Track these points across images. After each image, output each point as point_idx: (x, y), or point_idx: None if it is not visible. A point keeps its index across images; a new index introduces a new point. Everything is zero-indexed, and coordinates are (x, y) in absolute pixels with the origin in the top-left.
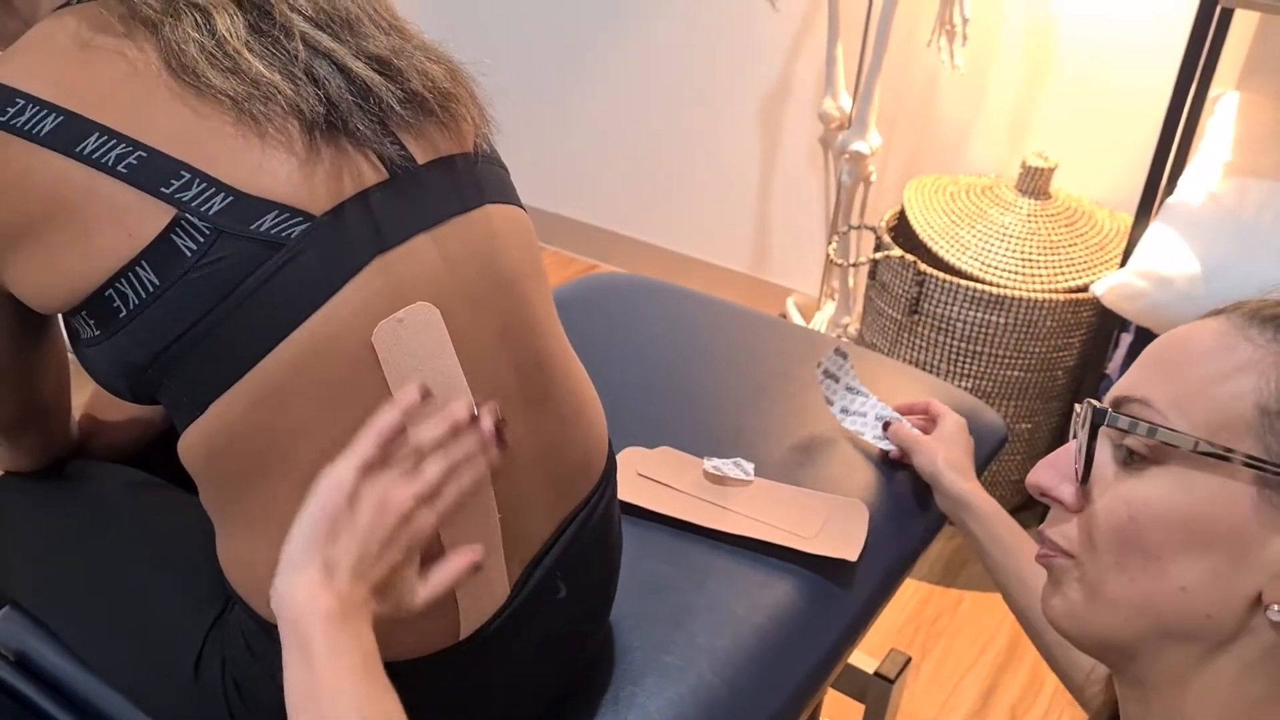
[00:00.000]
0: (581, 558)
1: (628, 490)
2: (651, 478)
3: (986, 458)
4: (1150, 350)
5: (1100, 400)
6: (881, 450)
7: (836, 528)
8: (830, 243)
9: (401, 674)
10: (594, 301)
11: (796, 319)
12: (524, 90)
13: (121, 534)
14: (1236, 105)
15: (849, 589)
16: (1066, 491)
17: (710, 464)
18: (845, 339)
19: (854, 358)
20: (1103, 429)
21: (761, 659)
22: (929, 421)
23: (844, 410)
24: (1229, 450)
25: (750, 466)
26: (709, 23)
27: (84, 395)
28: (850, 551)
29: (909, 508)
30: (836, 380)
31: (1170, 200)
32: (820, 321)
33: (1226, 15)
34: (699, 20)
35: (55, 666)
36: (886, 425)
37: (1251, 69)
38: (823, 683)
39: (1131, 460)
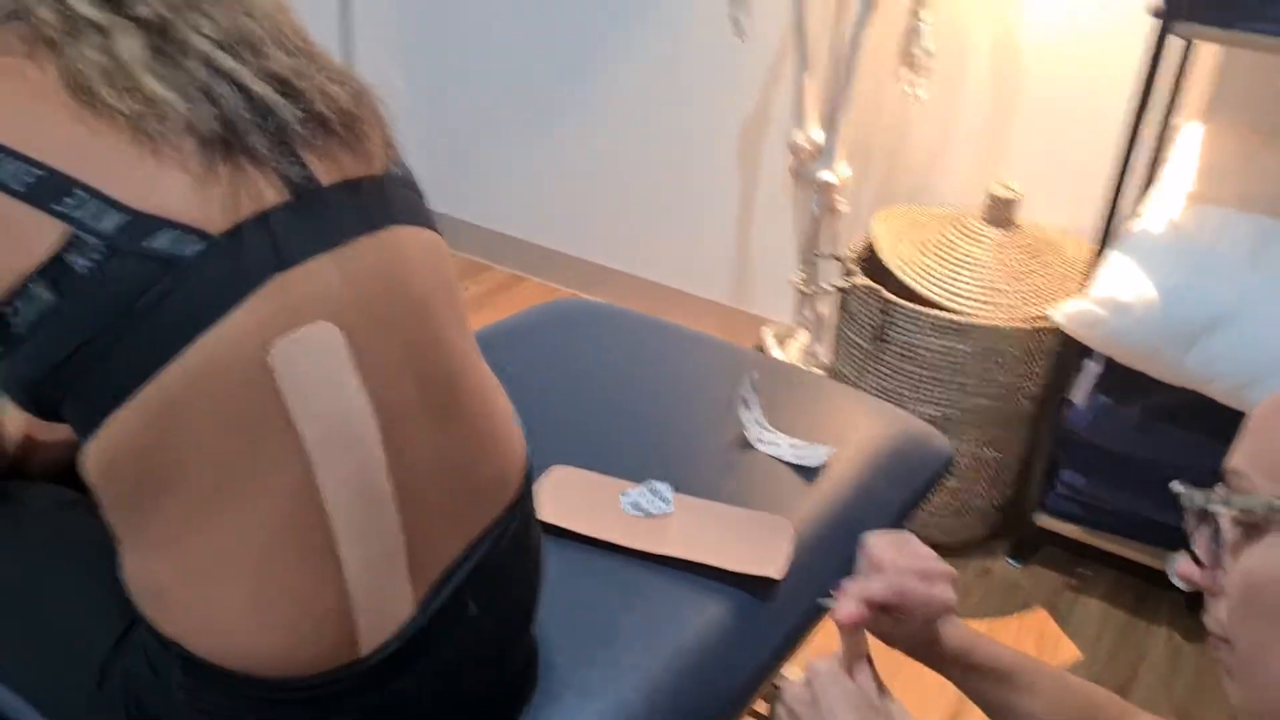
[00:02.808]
0: (495, 576)
1: (552, 510)
2: (574, 497)
3: (931, 480)
4: (1248, 416)
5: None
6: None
7: (760, 545)
8: (798, 272)
9: (301, 691)
10: (547, 326)
11: (773, 348)
12: (504, 123)
13: (42, 551)
14: (1199, 135)
15: (779, 609)
16: (1207, 577)
17: (627, 500)
18: (816, 369)
19: (811, 387)
20: (1208, 508)
21: (685, 677)
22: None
23: (758, 439)
24: None
25: (666, 488)
26: (684, 55)
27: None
28: (773, 569)
29: (842, 527)
30: (750, 410)
31: (1130, 228)
32: (794, 351)
33: (1188, 48)
34: (674, 53)
35: None
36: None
37: (1214, 100)
38: (747, 701)
39: (1246, 530)
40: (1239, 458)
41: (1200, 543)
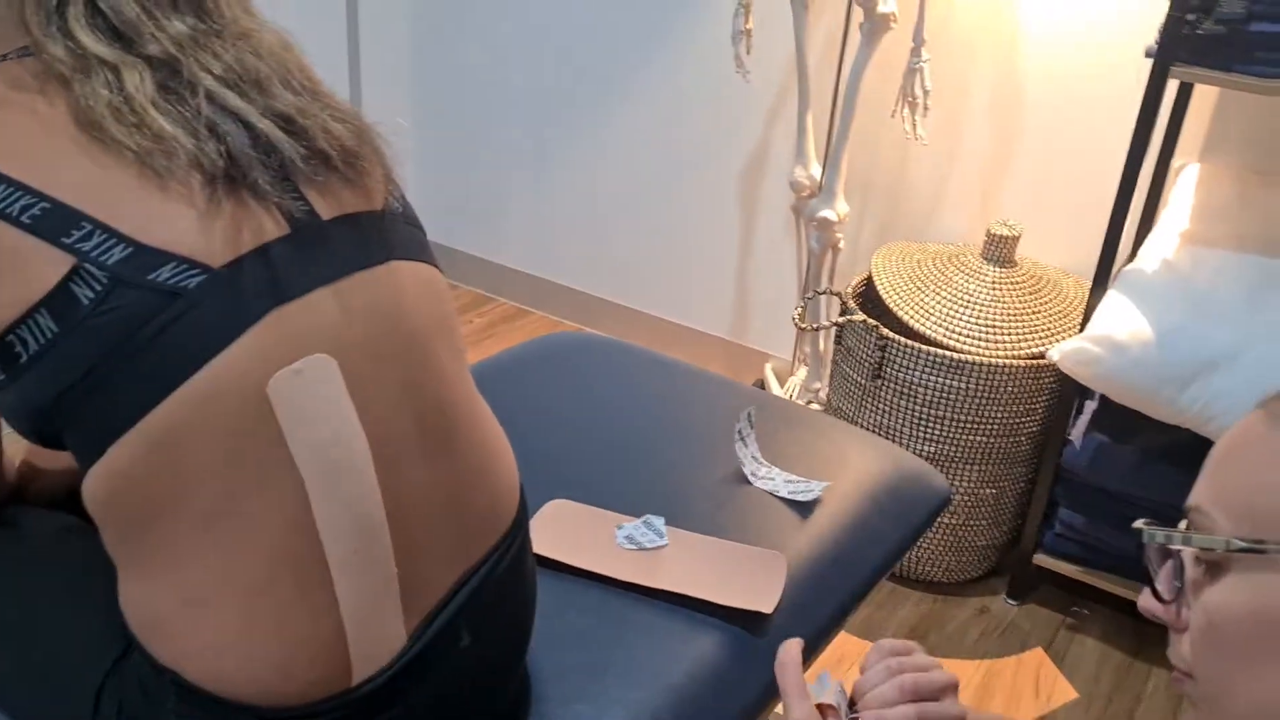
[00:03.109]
0: (488, 607)
1: (548, 543)
2: (569, 530)
3: (929, 517)
4: (1210, 452)
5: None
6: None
7: (752, 579)
8: (796, 308)
9: (293, 719)
10: (546, 359)
11: (774, 384)
12: (509, 158)
13: (41, 576)
14: (1196, 176)
15: (771, 643)
16: (1170, 612)
17: (621, 534)
18: (815, 405)
19: (807, 423)
20: (1170, 546)
21: (676, 711)
22: None
23: (754, 474)
24: (1260, 543)
25: (660, 522)
26: (687, 93)
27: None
28: (765, 603)
29: (836, 563)
30: (746, 446)
31: (1127, 268)
32: (793, 387)
33: (1187, 90)
34: (677, 90)
35: None
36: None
37: (1212, 141)
38: None
39: (1207, 567)
40: (1200, 495)
41: (1163, 578)
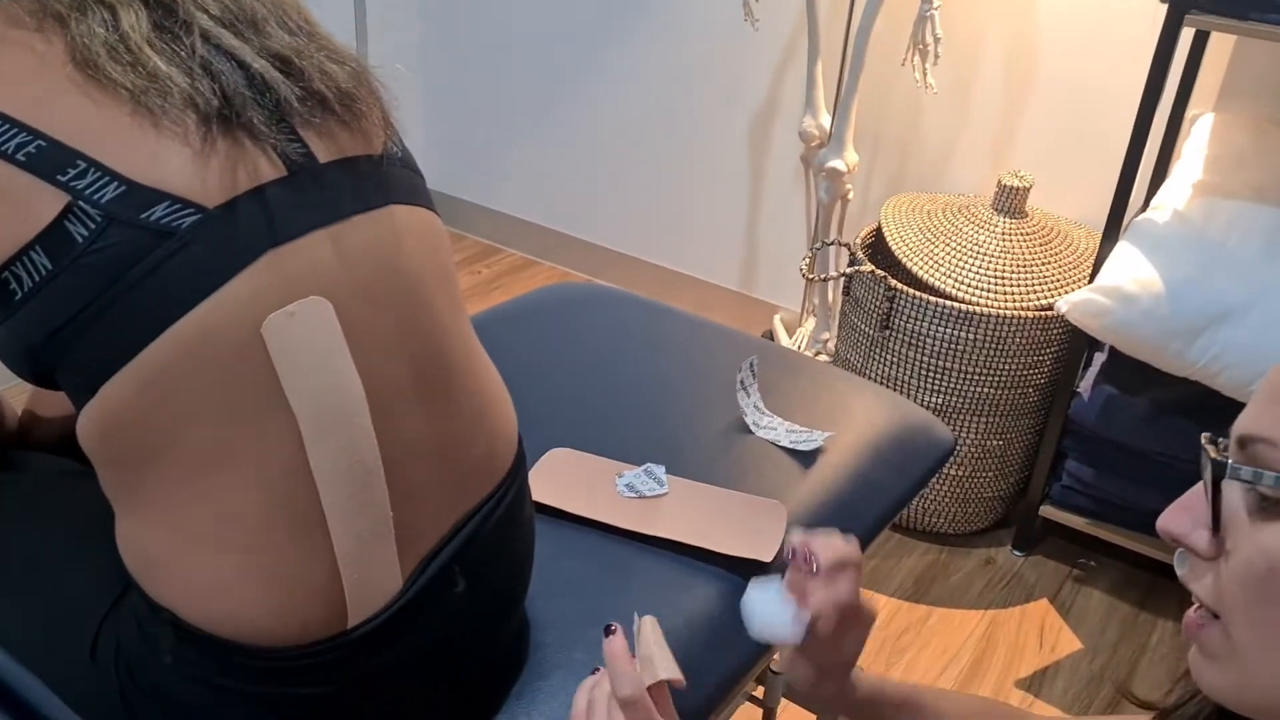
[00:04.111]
0: (483, 553)
1: (548, 491)
2: (570, 478)
3: (932, 468)
4: (1273, 379)
5: (1223, 437)
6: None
7: (752, 528)
8: (804, 258)
9: (288, 660)
10: (549, 309)
11: (782, 335)
12: (518, 107)
13: (42, 518)
14: (1211, 126)
15: None
16: (1200, 539)
17: (622, 482)
18: (824, 356)
19: (812, 373)
20: (1240, 479)
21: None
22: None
23: (755, 423)
24: None
25: (661, 470)
26: (696, 42)
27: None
28: (764, 552)
29: (838, 512)
30: (748, 395)
31: (1138, 219)
32: (802, 338)
33: (1202, 38)
34: (686, 40)
35: None
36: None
37: (1228, 91)
38: (736, 688)
39: (1267, 504)
40: (1267, 425)
41: (1206, 500)
